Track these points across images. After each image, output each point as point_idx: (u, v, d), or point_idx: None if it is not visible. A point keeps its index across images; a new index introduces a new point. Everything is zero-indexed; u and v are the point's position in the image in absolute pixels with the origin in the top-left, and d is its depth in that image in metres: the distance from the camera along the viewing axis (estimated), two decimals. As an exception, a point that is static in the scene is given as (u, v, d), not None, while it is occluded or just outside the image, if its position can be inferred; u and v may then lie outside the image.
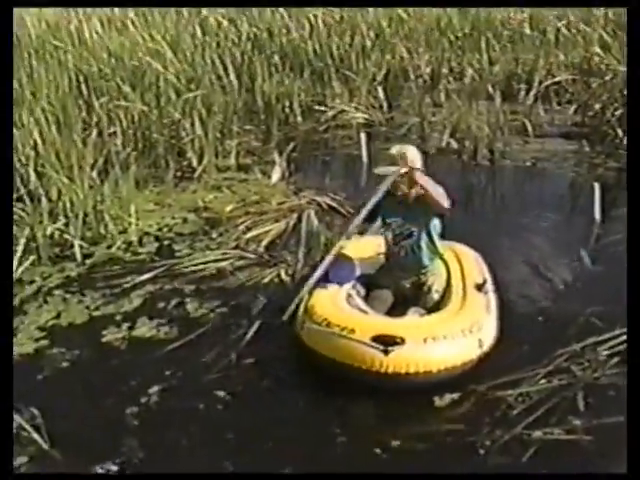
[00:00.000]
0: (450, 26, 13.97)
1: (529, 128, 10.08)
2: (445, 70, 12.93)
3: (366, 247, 5.78)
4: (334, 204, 7.75)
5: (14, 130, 8.01)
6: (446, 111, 10.82)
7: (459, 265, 5.54)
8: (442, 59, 13.03)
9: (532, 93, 11.42)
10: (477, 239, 6.35)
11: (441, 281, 5.37)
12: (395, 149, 5.17)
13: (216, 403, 4.64)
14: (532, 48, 12.77)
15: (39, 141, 7.88)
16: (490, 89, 11.12)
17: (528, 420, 4.31)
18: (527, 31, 13.73)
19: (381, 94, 11.53)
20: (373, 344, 4.48)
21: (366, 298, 5.37)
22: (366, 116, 10.97)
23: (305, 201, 7.89)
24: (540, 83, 11.52)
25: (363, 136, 9.52)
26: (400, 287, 5.39)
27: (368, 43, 12.85)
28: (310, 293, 5.17)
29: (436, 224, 5.30)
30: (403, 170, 5.00)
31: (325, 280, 5.25)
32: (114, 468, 4.11)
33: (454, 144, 9.62)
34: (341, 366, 4.61)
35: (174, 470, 4.09)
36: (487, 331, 4.85)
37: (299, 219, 7.39)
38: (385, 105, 11.42)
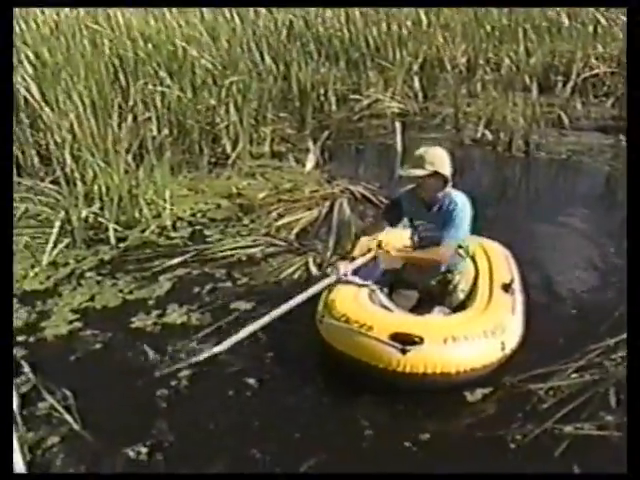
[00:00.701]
0: (487, 16, 13.84)
1: (565, 121, 10.01)
2: (481, 61, 12.85)
3: (394, 240, 5.57)
4: (367, 193, 7.74)
5: (49, 112, 8.09)
6: (482, 102, 10.81)
7: (488, 263, 5.38)
8: (479, 50, 12.96)
9: (569, 85, 11.32)
10: (510, 231, 6.33)
11: (468, 280, 5.22)
12: (423, 150, 4.91)
13: (245, 390, 4.64)
14: (570, 40, 12.66)
15: (75, 124, 7.93)
16: (527, 80, 11.02)
17: (559, 414, 4.26)
18: (565, 22, 13.59)
19: (416, 84, 11.51)
20: (391, 342, 4.38)
21: (391, 294, 5.20)
22: (401, 106, 10.96)
23: (338, 190, 7.89)
24: (578, 75, 11.42)
25: (398, 125, 9.49)
26: (426, 285, 5.23)
27: (404, 32, 12.77)
28: (332, 287, 5.07)
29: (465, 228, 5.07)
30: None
31: (353, 275, 5.13)
32: (144, 450, 4.14)
33: (489, 135, 9.57)
34: (358, 363, 4.51)
35: (201, 454, 4.11)
36: (510, 333, 4.68)
37: (331, 208, 7.41)
38: (420, 95, 11.40)
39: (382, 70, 11.80)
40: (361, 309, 4.76)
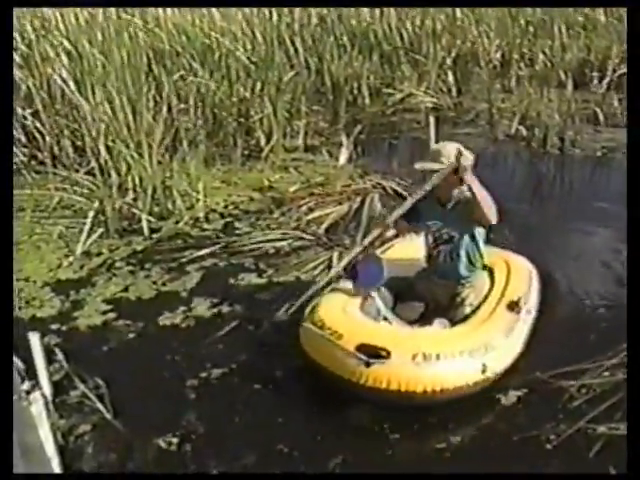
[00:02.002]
0: (522, 11, 13.72)
1: (601, 117, 9.91)
2: (516, 56, 12.73)
3: (406, 249, 5.36)
4: (399, 189, 7.69)
5: (85, 103, 8.13)
6: (516, 97, 10.71)
7: (505, 279, 5.03)
8: (513, 45, 12.86)
9: (605, 81, 11.21)
10: (544, 228, 6.29)
11: (478, 294, 4.93)
12: (440, 145, 4.83)
13: (272, 384, 4.63)
14: (606, 35, 12.52)
15: (110, 116, 7.97)
16: (562, 76, 10.93)
17: (592, 414, 4.19)
18: (601, 18, 13.45)
19: (450, 78, 11.45)
20: (355, 354, 4.20)
21: (396, 303, 5.02)
22: (434, 100, 10.91)
23: (370, 185, 7.85)
24: (614, 71, 11.29)
25: (431, 120, 9.43)
26: (435, 295, 5.01)
27: (439, 27, 12.70)
28: (324, 292, 4.93)
29: (480, 231, 4.87)
30: (452, 166, 4.54)
31: (352, 279, 4.90)
32: (175, 441, 4.16)
33: (523, 131, 9.47)
34: (325, 372, 4.37)
35: (230, 448, 4.10)
36: (496, 356, 4.36)
37: (362, 203, 7.37)
38: (454, 90, 11.34)
39: (416, 64, 11.75)
40: (339, 316, 4.56)
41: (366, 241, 5.00)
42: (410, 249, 5.29)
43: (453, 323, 4.74)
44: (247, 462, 3.99)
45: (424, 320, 4.84)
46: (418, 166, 4.77)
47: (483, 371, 4.27)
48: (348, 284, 4.89)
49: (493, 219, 4.61)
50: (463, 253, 4.86)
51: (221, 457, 4.04)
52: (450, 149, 4.66)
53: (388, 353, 4.17)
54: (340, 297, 4.79)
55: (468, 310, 4.85)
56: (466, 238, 4.84)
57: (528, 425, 4.18)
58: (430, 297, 5.03)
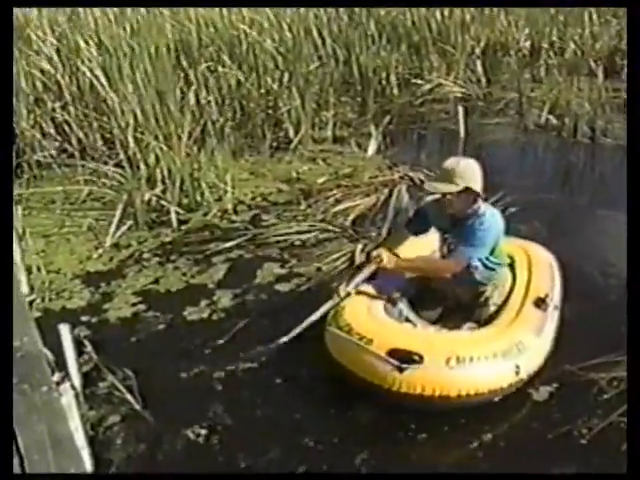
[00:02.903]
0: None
1: (632, 106, 9.80)
2: (545, 45, 12.63)
3: (420, 244, 5.06)
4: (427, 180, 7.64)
5: (114, 96, 8.17)
6: (546, 87, 10.62)
7: (527, 272, 4.95)
8: (542, 33, 12.74)
9: (637, 70, 11.07)
10: (575, 218, 6.23)
11: (502, 292, 4.81)
12: (452, 162, 4.47)
13: (298, 379, 4.62)
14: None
15: (138, 108, 8.00)
16: (592, 65, 10.83)
17: (623, 407, 4.12)
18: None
19: (479, 68, 11.35)
20: (388, 359, 4.07)
21: (415, 304, 4.83)
22: (463, 90, 10.81)
23: (398, 176, 7.81)
24: (646, 59, 11.15)
25: (460, 110, 9.38)
26: (456, 294, 4.84)
27: (467, 16, 12.56)
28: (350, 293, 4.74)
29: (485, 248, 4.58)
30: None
31: (371, 280, 4.77)
32: (203, 432, 4.18)
33: (553, 120, 9.39)
34: (356, 378, 4.22)
35: (257, 441, 4.11)
36: (529, 356, 4.27)
37: (390, 194, 7.33)
38: (483, 79, 11.23)
39: (444, 54, 11.64)
40: (367, 320, 4.43)
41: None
42: (424, 245, 5.06)
43: (480, 324, 4.64)
44: (273, 456, 3.99)
45: (445, 320, 4.74)
46: (429, 187, 4.56)
47: (517, 372, 4.17)
48: (370, 286, 4.75)
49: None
50: (479, 263, 4.62)
51: (248, 450, 4.04)
52: (465, 167, 4.42)
53: (421, 357, 4.05)
54: (363, 299, 4.66)
55: (493, 309, 4.75)
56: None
57: (561, 420, 4.13)
58: (450, 296, 4.86)
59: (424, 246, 5.02)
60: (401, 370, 4.02)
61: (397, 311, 4.65)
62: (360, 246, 6.12)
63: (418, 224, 4.93)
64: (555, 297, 4.80)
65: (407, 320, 4.60)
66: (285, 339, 4.72)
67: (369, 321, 4.42)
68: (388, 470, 3.89)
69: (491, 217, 4.52)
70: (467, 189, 4.35)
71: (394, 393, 4.06)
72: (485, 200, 4.59)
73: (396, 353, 4.08)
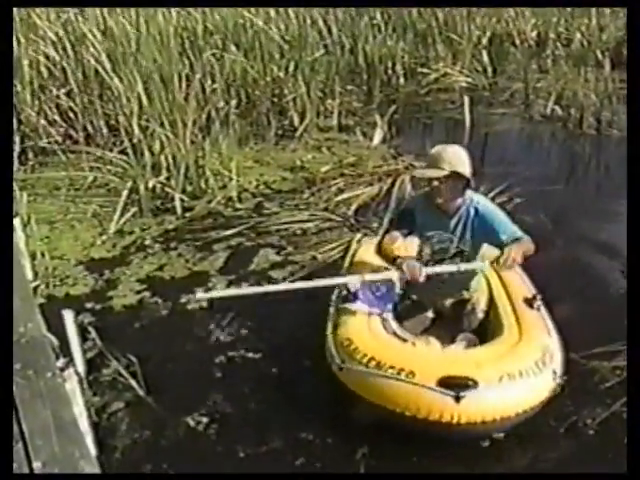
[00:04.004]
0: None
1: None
2: (552, 35, 12.60)
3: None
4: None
5: (118, 83, 8.16)
6: (552, 77, 10.61)
7: (496, 274, 4.67)
8: (549, 24, 12.70)
9: (644, 61, 11.03)
10: (579, 210, 6.22)
11: (485, 298, 4.57)
12: (439, 148, 4.33)
13: (303, 370, 4.58)
14: (645, 14, 12.32)
15: (143, 95, 7.99)
16: (599, 56, 10.78)
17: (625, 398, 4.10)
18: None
19: (485, 58, 11.30)
20: (442, 390, 3.69)
21: (400, 315, 4.52)
22: (469, 80, 10.79)
23: (402, 166, 7.79)
24: (654, 50, 11.11)
25: (466, 100, 9.35)
26: (438, 305, 4.61)
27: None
28: (337, 321, 4.35)
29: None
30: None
31: (352, 300, 4.37)
32: (204, 420, 4.18)
33: (559, 111, 9.38)
34: (400, 417, 3.79)
35: (256, 432, 4.08)
36: (557, 358, 4.07)
37: (393, 184, 7.30)
38: (489, 69, 11.20)
39: (450, 43, 11.63)
40: (388, 347, 4.08)
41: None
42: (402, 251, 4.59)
43: (475, 332, 4.42)
44: (274, 446, 3.98)
45: (431, 332, 4.46)
46: (417, 173, 4.49)
47: (554, 378, 3.95)
48: (356, 305, 4.36)
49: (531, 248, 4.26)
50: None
51: (248, 440, 4.02)
52: (452, 153, 4.28)
53: (474, 382, 3.71)
54: (361, 324, 4.26)
55: (481, 316, 4.53)
56: (484, 247, 4.48)
57: (568, 411, 4.11)
58: (434, 308, 4.61)
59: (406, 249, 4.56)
60: (458, 399, 3.66)
61: (389, 328, 4.31)
62: (358, 236, 6.06)
63: (405, 224, 4.49)
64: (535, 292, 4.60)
65: (398, 337, 4.23)
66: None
67: (390, 348, 4.08)
68: (388, 466, 3.86)
69: (487, 201, 4.49)
70: (455, 174, 4.20)
71: (453, 426, 3.70)
72: (475, 190, 4.49)
73: (448, 381, 3.71)
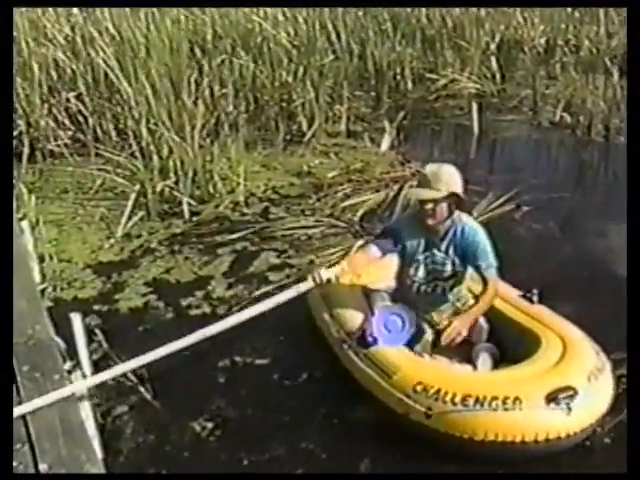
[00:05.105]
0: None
1: (648, 105, 9.75)
2: (561, 42, 12.58)
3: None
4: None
5: (127, 87, 8.18)
6: (560, 84, 10.59)
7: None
8: (558, 30, 12.69)
9: (653, 68, 11.01)
10: (587, 217, 6.20)
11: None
12: (434, 168, 4.19)
13: (314, 377, 4.56)
14: (655, 21, 12.30)
15: (152, 99, 8.00)
16: (608, 63, 10.75)
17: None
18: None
19: (494, 64, 11.27)
20: (553, 405, 3.58)
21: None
22: (478, 86, 10.75)
23: (410, 172, 7.77)
24: (663, 58, 11.09)
25: (475, 106, 9.35)
26: (433, 323, 4.41)
27: (482, 12, 12.53)
28: (376, 368, 4.08)
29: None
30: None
31: (373, 343, 4.17)
32: (209, 425, 4.17)
33: (568, 118, 9.34)
34: (505, 445, 3.64)
35: (260, 439, 4.05)
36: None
37: (400, 190, 7.27)
38: (498, 76, 11.16)
39: (459, 50, 11.59)
40: (470, 381, 3.94)
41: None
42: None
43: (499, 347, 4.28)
44: (278, 454, 3.95)
45: (440, 352, 4.30)
46: (412, 195, 4.36)
47: (589, 379, 3.81)
48: (382, 347, 4.17)
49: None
50: (464, 284, 4.43)
51: (251, 448, 3.98)
52: (448, 173, 4.15)
53: (574, 389, 3.64)
54: (414, 364, 4.06)
55: (487, 326, 4.35)
56: (469, 269, 4.37)
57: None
58: (428, 325, 4.40)
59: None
60: (570, 410, 3.60)
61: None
62: (360, 242, 6.04)
63: (388, 243, 4.38)
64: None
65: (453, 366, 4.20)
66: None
67: (472, 380, 3.96)
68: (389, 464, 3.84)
69: (474, 222, 4.38)
70: (452, 194, 4.09)
71: (562, 439, 3.65)
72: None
73: (553, 396, 3.61)
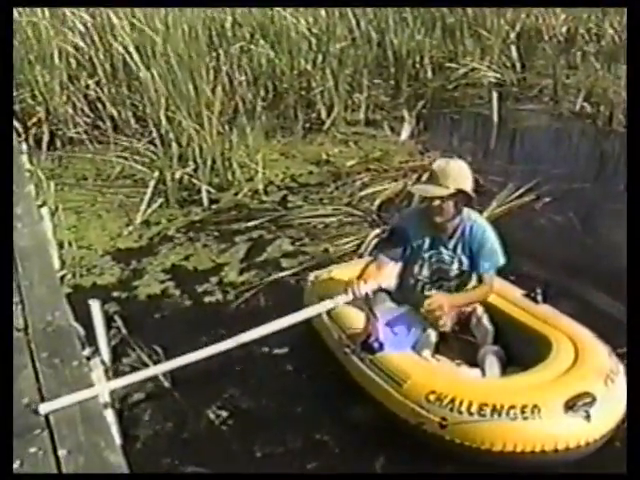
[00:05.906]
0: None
1: (671, 94, 9.66)
2: (582, 31, 12.50)
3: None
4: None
5: (146, 74, 8.17)
6: (581, 73, 10.51)
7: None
8: (579, 19, 12.60)
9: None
10: (609, 208, 6.15)
11: (481, 307, 4.30)
12: (442, 163, 4.07)
13: (325, 370, 4.49)
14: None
15: (171, 87, 7.99)
16: (630, 52, 10.67)
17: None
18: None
19: (514, 53, 11.20)
20: (572, 413, 3.48)
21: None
22: (498, 75, 10.70)
23: (428, 162, 7.71)
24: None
25: (494, 95, 9.29)
26: (439, 323, 4.19)
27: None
28: (385, 376, 3.93)
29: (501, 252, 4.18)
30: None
31: (379, 349, 4.01)
32: (224, 414, 4.17)
33: (588, 108, 9.28)
34: (524, 456, 3.52)
35: (274, 430, 4.04)
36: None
37: (418, 180, 7.21)
38: (518, 65, 11.10)
39: (479, 38, 11.50)
40: (481, 385, 3.86)
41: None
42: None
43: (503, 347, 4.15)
44: (292, 447, 3.93)
45: (442, 353, 4.22)
46: (417, 190, 4.28)
47: (605, 382, 3.69)
48: (388, 353, 4.02)
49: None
50: (470, 285, 4.29)
51: (266, 439, 3.97)
52: (458, 168, 4.03)
53: (591, 396, 3.53)
54: (424, 372, 3.91)
55: (491, 327, 4.20)
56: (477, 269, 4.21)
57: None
58: (429, 324, 4.23)
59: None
60: (589, 417, 3.50)
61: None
62: (376, 231, 6.05)
63: (397, 245, 4.29)
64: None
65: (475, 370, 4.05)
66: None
67: (490, 388, 3.82)
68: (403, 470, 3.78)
69: (483, 220, 4.29)
70: (460, 192, 3.96)
71: (584, 448, 3.55)
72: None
73: (572, 403, 3.50)
